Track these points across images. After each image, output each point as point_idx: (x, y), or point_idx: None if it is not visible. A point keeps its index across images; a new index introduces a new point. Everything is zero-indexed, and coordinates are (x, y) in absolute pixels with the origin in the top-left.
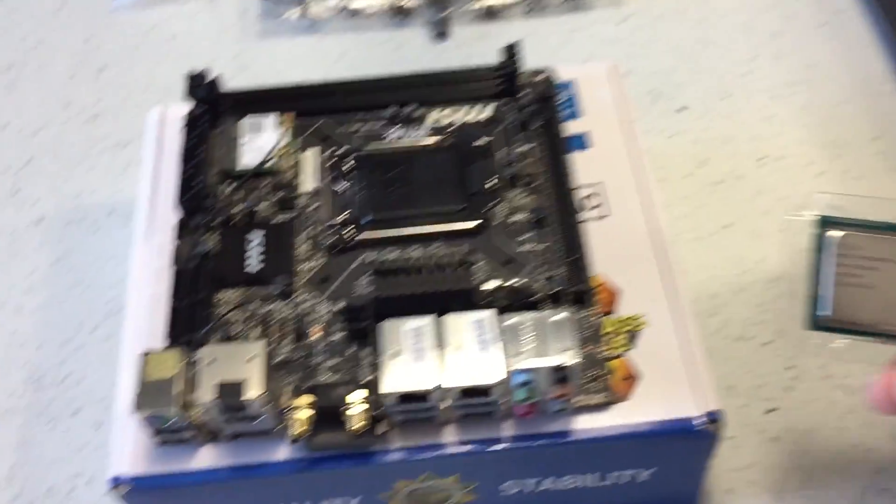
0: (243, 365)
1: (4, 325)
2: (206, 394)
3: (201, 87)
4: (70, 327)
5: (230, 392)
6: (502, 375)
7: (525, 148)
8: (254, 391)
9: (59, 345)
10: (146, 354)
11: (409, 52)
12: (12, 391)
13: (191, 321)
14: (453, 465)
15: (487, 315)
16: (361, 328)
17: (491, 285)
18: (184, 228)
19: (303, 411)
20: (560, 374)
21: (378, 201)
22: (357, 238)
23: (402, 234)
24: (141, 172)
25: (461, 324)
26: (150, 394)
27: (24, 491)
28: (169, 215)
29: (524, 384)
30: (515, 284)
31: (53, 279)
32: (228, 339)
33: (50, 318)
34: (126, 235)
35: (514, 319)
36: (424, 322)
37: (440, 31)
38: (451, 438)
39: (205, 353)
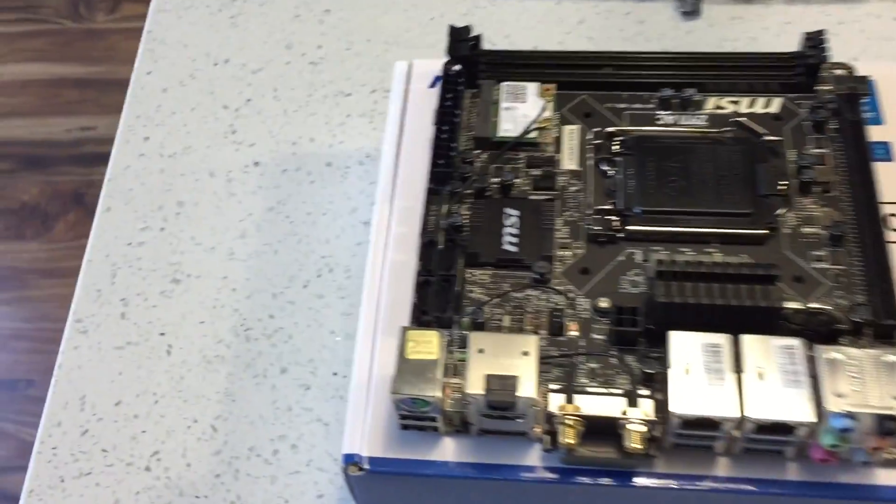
0: (516, 359)
1: (217, 268)
2: (474, 384)
3: (462, 44)
4: (282, 280)
5: (502, 387)
6: (815, 416)
7: (819, 151)
8: (527, 390)
9: (269, 297)
10: (406, 329)
11: (653, 28)
12: (221, 338)
13: (440, 299)
14: (724, 501)
15: (797, 343)
16: (630, 332)
17: (792, 305)
18: (434, 196)
19: (571, 419)
20: (888, 425)
21: (650, 192)
22: (625, 230)
23: (673, 232)
24: (386, 130)
25: (766, 348)
26: (410, 375)
27: (227, 446)
28: (415, 177)
29: (842, 430)
30: (814, 308)
31: (267, 227)
32: (479, 324)
33: (262, 267)
34: (343, 191)
35: (835, 354)
36: (720, 340)
37: (692, 9)
38: (727, 472)
39: (475, 339)
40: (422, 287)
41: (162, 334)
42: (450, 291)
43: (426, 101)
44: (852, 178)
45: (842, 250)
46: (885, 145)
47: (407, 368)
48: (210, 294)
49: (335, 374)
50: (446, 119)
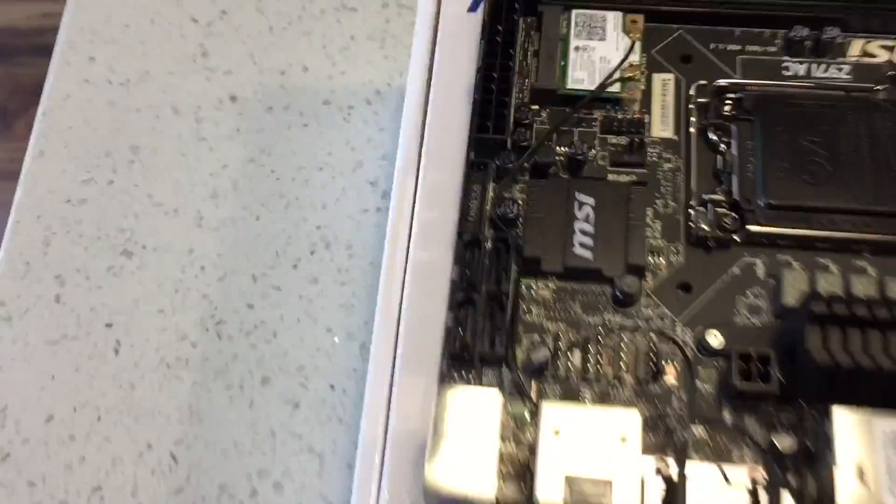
0: (609, 449)
1: (180, 238)
2: (547, 489)
3: None
4: (264, 257)
5: (590, 496)
6: None
7: None
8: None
9: (248, 280)
10: (445, 382)
11: None
12: (185, 333)
13: (487, 326)
14: None
15: None
16: (758, 391)
17: None
18: (477, 172)
19: None
20: None
21: (780, 177)
22: (743, 231)
23: (813, 236)
24: (410, 71)
25: None
26: (452, 456)
27: (191, 483)
28: (449, 142)
29: None
30: None
31: (246, 185)
32: (539, 369)
33: (239, 239)
34: (345, 139)
35: None
36: None
37: None
38: None
39: (548, 414)
40: (460, 306)
41: (108, 325)
42: (500, 316)
43: (466, 31)
44: None
45: None
46: None
47: (446, 446)
48: (172, 274)
49: (332, 387)
50: (493, 60)
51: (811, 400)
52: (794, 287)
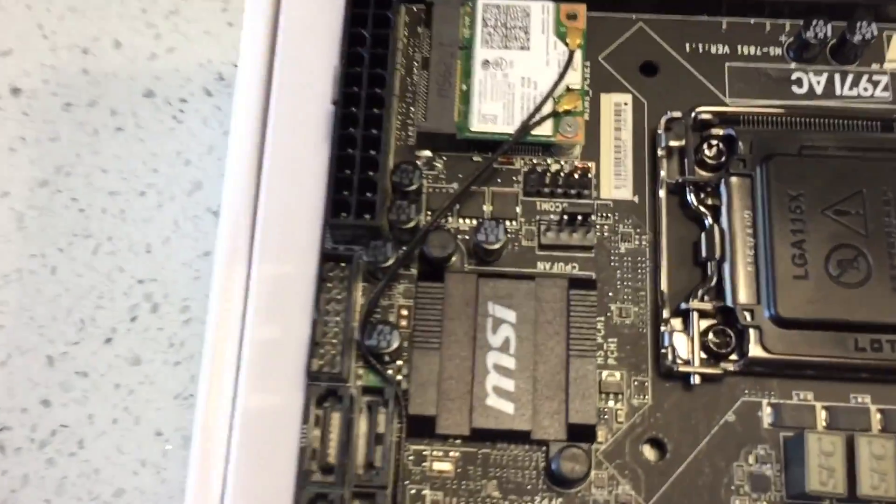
0: None
1: None
2: None
3: None
4: (64, 325)
5: None
6: None
7: None
8: None
9: (41, 359)
10: None
11: None
12: None
13: None
14: None
15: None
16: None
17: None
18: (333, 265)
19: None
20: None
21: (798, 276)
22: (742, 358)
23: (848, 364)
24: (236, 86)
25: None
26: None
27: None
28: (295, 221)
29: None
30: None
31: (35, 218)
32: None
33: (27, 297)
34: (176, 147)
35: None
36: None
37: None
38: None
39: None
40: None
41: None
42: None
43: (318, 23)
44: None
45: None
46: None
47: None
48: None
49: None
50: (352, 87)
51: None
52: (822, 463)
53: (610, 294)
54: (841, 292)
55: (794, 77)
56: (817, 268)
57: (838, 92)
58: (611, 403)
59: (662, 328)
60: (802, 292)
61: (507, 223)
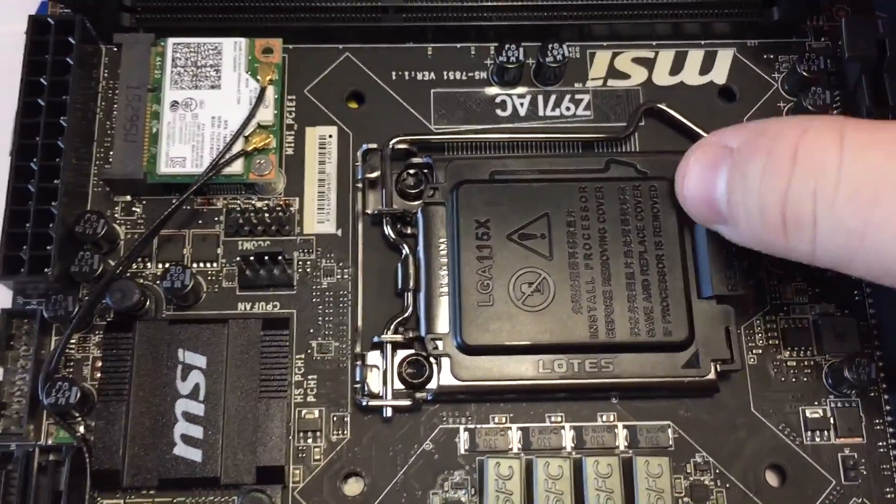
0: None
1: None
2: None
3: None
4: None
5: None
6: None
7: None
8: None
9: None
10: None
11: None
12: None
13: None
14: None
15: None
16: None
17: None
18: (17, 321)
19: None
20: None
21: (484, 304)
22: (434, 382)
23: (534, 386)
24: None
25: None
26: None
27: None
28: None
29: None
30: None
31: None
32: None
33: None
34: None
35: None
36: None
37: None
38: None
39: None
40: None
41: None
42: None
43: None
44: None
45: None
46: None
47: None
48: None
49: None
50: (32, 134)
51: None
52: (499, 487)
53: (311, 331)
54: (525, 316)
55: (497, 100)
56: (502, 294)
57: (541, 112)
58: (309, 441)
59: (357, 363)
60: (487, 319)
61: (209, 264)
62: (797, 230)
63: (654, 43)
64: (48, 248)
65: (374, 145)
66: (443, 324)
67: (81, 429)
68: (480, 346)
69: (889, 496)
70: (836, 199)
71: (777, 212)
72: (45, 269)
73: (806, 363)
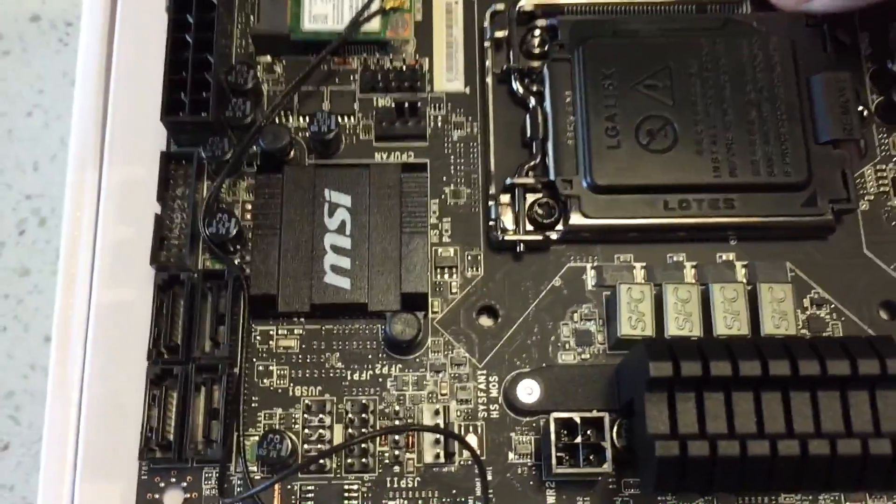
0: None
1: None
2: None
3: None
4: None
5: None
6: None
7: None
8: None
9: None
10: None
11: None
12: None
13: (190, 416)
14: None
15: None
16: (586, 475)
17: None
18: (179, 170)
19: None
20: None
21: (611, 146)
22: (565, 226)
23: (660, 225)
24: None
25: None
26: None
27: None
28: (141, 120)
29: None
30: None
31: None
32: (282, 463)
33: None
34: (66, 66)
35: None
36: None
37: None
38: None
39: None
40: (159, 381)
41: None
42: (221, 391)
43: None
44: None
45: None
46: None
47: None
48: None
49: None
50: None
51: (660, 487)
52: (632, 310)
53: (444, 178)
54: (651, 158)
55: None
56: (628, 138)
57: None
58: (445, 277)
59: (490, 203)
60: (615, 161)
61: (346, 119)
62: None
63: None
64: (205, 94)
65: (501, 6)
66: (570, 168)
67: (236, 261)
68: (610, 186)
69: None
70: None
71: None
72: (203, 113)
73: None
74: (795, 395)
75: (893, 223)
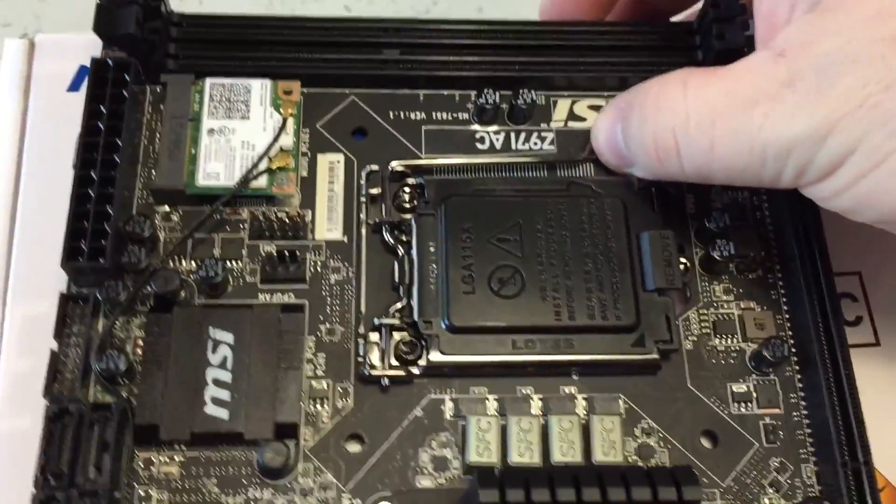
0: None
1: None
2: None
3: (125, 10)
4: None
5: None
6: None
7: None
8: None
9: None
10: None
11: None
12: None
13: None
14: None
15: None
16: None
17: None
18: (76, 305)
19: None
20: None
21: (466, 291)
22: (423, 360)
23: (509, 362)
24: None
25: None
26: None
27: None
28: (45, 266)
29: None
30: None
31: None
32: None
33: None
34: None
35: None
36: None
37: None
38: None
39: None
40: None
41: None
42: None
43: (67, 108)
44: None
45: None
46: None
47: None
48: None
49: None
50: (90, 154)
51: None
52: (480, 439)
53: (321, 317)
54: (501, 303)
55: (478, 135)
56: (482, 285)
57: (514, 147)
58: (318, 407)
59: (360, 341)
60: (470, 305)
61: (235, 262)
62: (668, 157)
63: (605, 94)
64: (103, 241)
65: (376, 167)
66: (431, 310)
67: (124, 394)
68: (465, 327)
69: (803, 456)
70: (687, 128)
71: (652, 147)
72: (100, 259)
73: (732, 348)
74: None
75: (713, 360)
